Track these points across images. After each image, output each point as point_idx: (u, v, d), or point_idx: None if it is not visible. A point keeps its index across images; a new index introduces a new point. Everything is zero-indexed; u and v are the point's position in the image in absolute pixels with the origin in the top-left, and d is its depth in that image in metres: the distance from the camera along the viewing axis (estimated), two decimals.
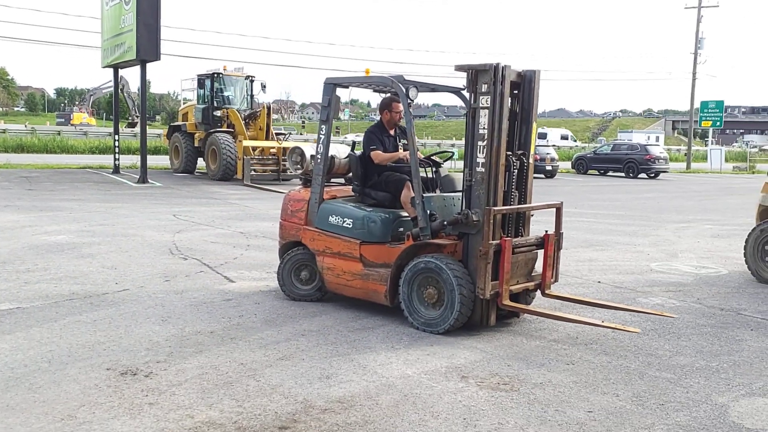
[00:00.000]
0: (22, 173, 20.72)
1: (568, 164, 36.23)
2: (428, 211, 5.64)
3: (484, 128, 5.34)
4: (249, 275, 7.50)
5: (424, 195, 5.69)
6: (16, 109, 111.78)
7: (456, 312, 5.29)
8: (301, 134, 28.44)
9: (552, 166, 28.81)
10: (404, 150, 6.25)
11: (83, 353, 4.75)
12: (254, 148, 20.65)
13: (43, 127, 49.01)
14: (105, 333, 5.22)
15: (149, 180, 19.32)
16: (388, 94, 6.48)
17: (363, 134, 6.47)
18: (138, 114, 26.21)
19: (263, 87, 22.44)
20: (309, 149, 6.90)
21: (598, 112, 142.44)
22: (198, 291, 6.67)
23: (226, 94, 22.50)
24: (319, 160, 6.20)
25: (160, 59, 19.00)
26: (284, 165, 20.62)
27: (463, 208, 5.49)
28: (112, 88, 24.99)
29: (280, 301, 6.37)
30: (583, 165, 33.32)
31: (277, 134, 21.59)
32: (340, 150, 6.71)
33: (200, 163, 22.95)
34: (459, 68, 5.51)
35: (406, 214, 5.95)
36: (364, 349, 5.08)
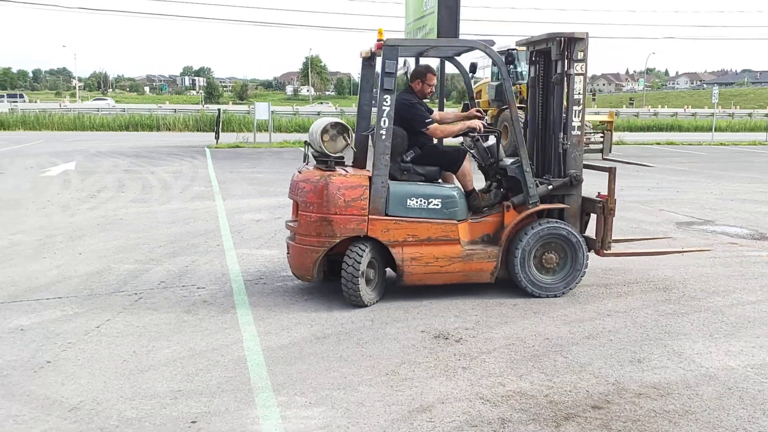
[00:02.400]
0: None
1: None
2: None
3: (579, 93, 5.69)
4: None
5: (502, 161, 5.98)
6: (327, 93, 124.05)
7: (582, 272, 5.72)
8: (591, 107, 27.40)
9: None
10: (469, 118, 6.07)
11: (400, 316, 5.14)
12: None
13: (350, 108, 53.60)
14: (417, 299, 5.57)
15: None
16: (425, 63, 6.27)
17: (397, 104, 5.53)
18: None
19: None
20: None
21: None
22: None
23: (519, 70, 22.49)
24: (383, 136, 5.31)
25: (405, 71, 19.55)
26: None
27: (564, 170, 5.81)
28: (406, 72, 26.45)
29: (582, 279, 6.23)
30: None
31: None
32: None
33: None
34: (552, 36, 5.76)
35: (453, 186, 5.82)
36: (678, 335, 4.77)
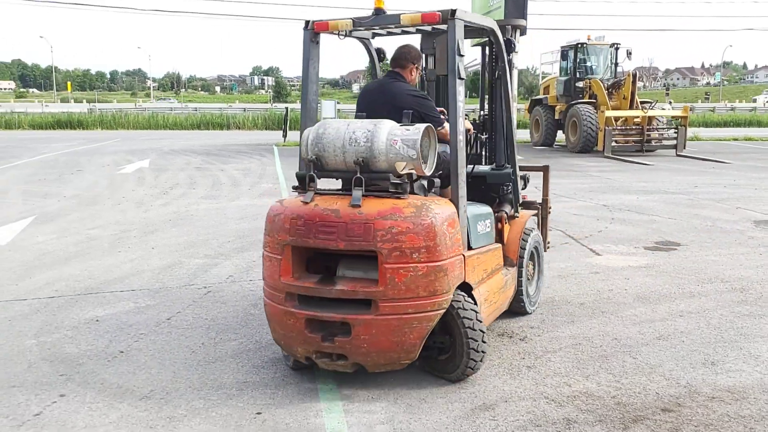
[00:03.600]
0: None
1: None
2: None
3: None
4: (615, 249, 7.28)
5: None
6: None
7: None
8: (668, 103, 26.60)
9: None
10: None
11: None
12: (617, 119, 19.94)
13: None
14: None
15: None
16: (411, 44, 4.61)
17: (412, 99, 4.23)
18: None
19: (629, 54, 21.41)
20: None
21: None
22: (564, 262, 6.69)
23: (589, 64, 22.03)
24: (461, 143, 3.88)
25: (526, 34, 19.30)
26: (648, 135, 19.65)
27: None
28: (477, 67, 26.27)
29: (652, 278, 6.06)
30: None
31: (641, 103, 20.52)
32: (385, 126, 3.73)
33: (559, 136, 22.93)
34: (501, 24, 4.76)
35: None
36: (756, 337, 4.57)
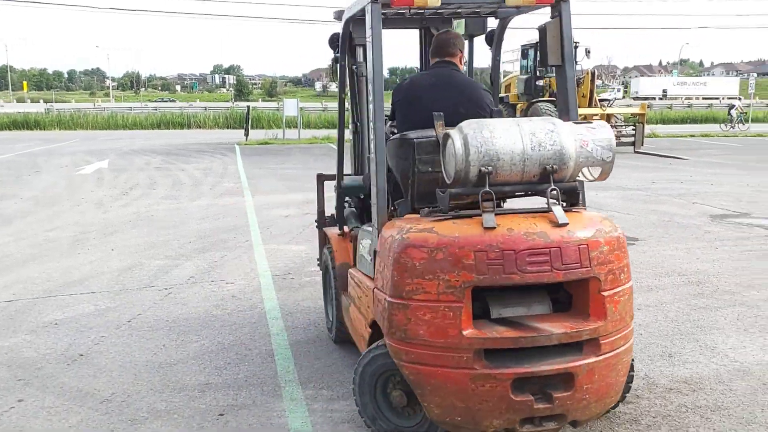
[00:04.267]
0: None
1: None
2: None
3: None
4: None
5: None
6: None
7: None
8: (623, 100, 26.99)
9: None
10: None
11: None
12: None
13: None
14: None
15: None
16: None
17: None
18: None
19: (587, 53, 21.69)
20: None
21: None
22: None
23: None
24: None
25: (486, 32, 19.43)
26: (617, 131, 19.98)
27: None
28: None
29: None
30: None
31: (600, 101, 20.84)
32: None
33: None
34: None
35: None
36: (711, 329, 4.68)
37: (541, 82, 21.73)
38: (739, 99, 36.87)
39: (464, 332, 2.72)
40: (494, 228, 2.79)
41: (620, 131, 20.50)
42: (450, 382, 2.78)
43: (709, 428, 3.29)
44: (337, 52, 4.44)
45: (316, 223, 4.83)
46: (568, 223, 2.85)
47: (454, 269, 2.74)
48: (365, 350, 3.24)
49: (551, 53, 3.55)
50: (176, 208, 9.76)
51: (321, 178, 4.79)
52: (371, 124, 3.21)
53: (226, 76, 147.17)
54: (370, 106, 3.21)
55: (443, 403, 2.81)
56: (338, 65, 4.27)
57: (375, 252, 3.18)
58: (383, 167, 3.19)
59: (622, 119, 21.47)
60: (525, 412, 2.75)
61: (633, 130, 20.14)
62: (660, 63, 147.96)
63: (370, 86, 3.23)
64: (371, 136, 3.22)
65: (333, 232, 4.48)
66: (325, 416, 3.43)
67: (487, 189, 2.84)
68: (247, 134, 23.82)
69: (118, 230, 8.17)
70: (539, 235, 2.81)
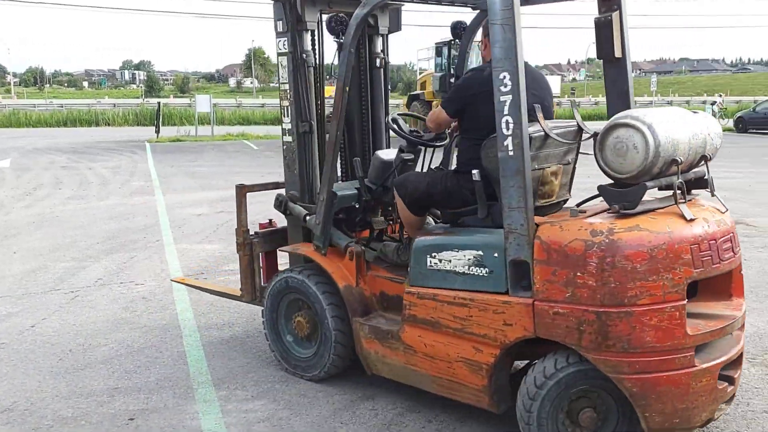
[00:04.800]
0: (280, 143, 22.73)
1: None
2: None
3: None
4: None
5: None
6: (271, 85, 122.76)
7: None
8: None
9: None
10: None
11: None
12: None
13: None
14: None
15: (392, 147, 20.15)
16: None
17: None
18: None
19: None
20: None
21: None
22: None
23: None
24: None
25: (401, 29, 19.57)
26: None
27: None
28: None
29: None
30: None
31: None
32: None
33: None
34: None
35: None
36: None
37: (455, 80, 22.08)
38: (720, 96, 37.66)
39: (688, 331, 2.67)
40: (694, 219, 2.79)
41: None
42: (674, 385, 2.68)
43: None
44: (458, 40, 4.32)
45: (241, 244, 4.19)
46: (727, 210, 3.00)
47: (675, 266, 2.65)
48: (535, 374, 2.87)
49: (613, 46, 3.46)
50: (83, 208, 9.40)
51: (243, 190, 4.24)
52: (510, 125, 2.82)
53: (136, 72, 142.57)
54: (509, 102, 2.81)
55: (665, 408, 2.68)
56: (344, 53, 3.58)
57: (515, 261, 2.87)
58: (521, 175, 2.82)
59: None
60: (723, 399, 2.80)
61: None
62: (568, 62, 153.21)
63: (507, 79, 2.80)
64: (509, 140, 2.82)
65: (308, 250, 3.84)
66: (240, 417, 3.39)
67: (681, 180, 2.83)
68: (158, 131, 23.18)
69: (21, 232, 7.79)
70: (722, 223, 2.90)
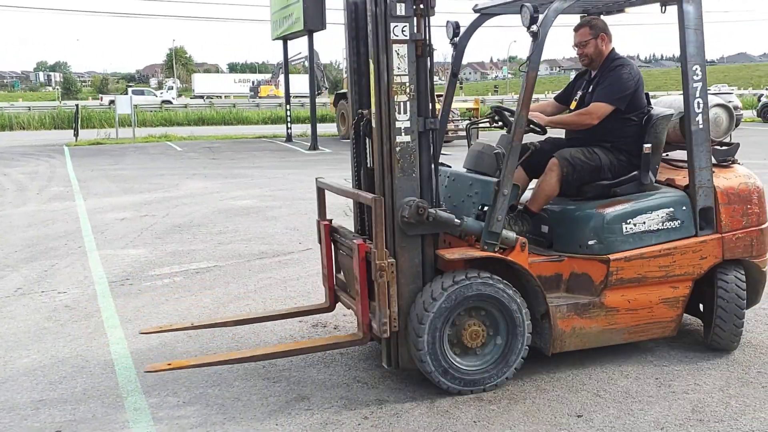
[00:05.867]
0: (204, 144, 22.29)
1: (751, 113, 33.21)
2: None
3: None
4: None
5: None
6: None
7: None
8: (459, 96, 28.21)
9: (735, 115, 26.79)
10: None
11: (277, 307, 5.08)
12: None
13: (219, 100, 52.24)
14: (294, 289, 5.55)
15: (319, 147, 20.08)
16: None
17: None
18: (327, 85, 27.28)
19: None
20: None
21: None
22: None
23: None
24: None
25: (325, 28, 19.55)
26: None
27: None
28: (303, 61, 26.46)
29: None
30: None
31: (437, 96, 21.54)
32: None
33: None
34: None
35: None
36: None
37: None
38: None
39: None
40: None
41: (457, 125, 21.37)
42: None
43: None
44: (456, 38, 4.49)
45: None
46: None
47: None
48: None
49: None
50: None
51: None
52: (701, 105, 3.90)
53: (52, 73, 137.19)
54: (700, 88, 3.91)
55: None
56: (540, 42, 3.55)
57: (704, 209, 3.88)
58: (708, 143, 3.93)
59: (458, 113, 22.41)
60: None
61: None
62: (491, 60, 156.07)
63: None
64: (700, 117, 3.91)
65: (486, 252, 3.51)
66: (172, 423, 3.31)
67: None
68: (76, 134, 22.40)
69: None
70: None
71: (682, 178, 4.06)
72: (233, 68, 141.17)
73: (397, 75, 3.45)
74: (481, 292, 3.46)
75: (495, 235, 3.50)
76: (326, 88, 28.85)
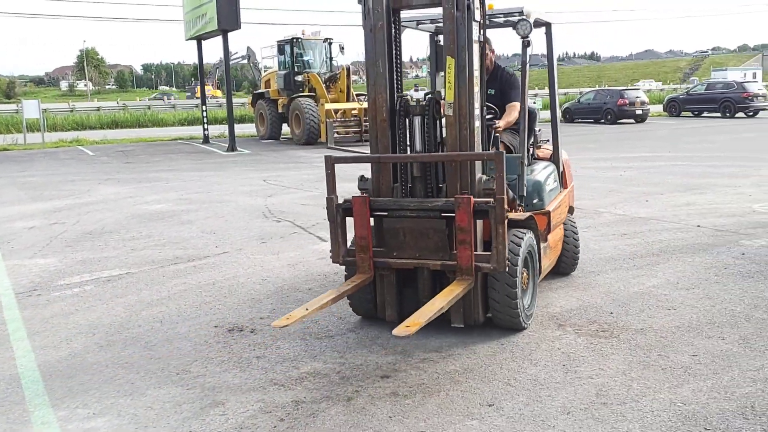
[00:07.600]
0: (118, 148, 21.67)
1: (659, 107, 34.74)
2: None
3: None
4: None
5: None
6: (107, 87, 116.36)
7: None
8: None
9: (642, 110, 27.97)
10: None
11: (191, 313, 5.00)
12: (336, 111, 20.83)
13: (133, 102, 50.80)
14: (210, 293, 5.47)
15: (238, 148, 19.84)
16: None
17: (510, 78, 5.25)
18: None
19: (341, 49, 22.48)
20: None
21: (689, 50, 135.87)
22: (293, 251, 6.87)
23: (305, 58, 22.67)
24: None
25: (240, 28, 19.30)
26: (366, 126, 20.84)
27: None
28: (241, 61, 26.18)
29: None
30: (675, 107, 31.82)
31: (357, 95, 21.67)
32: None
33: (285, 128, 23.35)
34: None
35: None
36: None
37: (300, 78, 22.06)
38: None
39: None
40: None
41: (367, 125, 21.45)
42: None
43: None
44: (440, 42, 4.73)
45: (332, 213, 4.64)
46: None
47: None
48: None
49: None
50: None
51: (331, 161, 4.81)
52: None
53: None
54: None
55: None
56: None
57: None
58: None
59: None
60: None
61: None
62: (411, 59, 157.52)
63: None
64: None
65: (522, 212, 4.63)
66: None
67: None
68: None
69: None
70: None
71: (545, 151, 5.58)
72: (147, 69, 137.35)
73: (475, 69, 4.17)
74: (532, 243, 4.46)
75: (523, 197, 4.65)
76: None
